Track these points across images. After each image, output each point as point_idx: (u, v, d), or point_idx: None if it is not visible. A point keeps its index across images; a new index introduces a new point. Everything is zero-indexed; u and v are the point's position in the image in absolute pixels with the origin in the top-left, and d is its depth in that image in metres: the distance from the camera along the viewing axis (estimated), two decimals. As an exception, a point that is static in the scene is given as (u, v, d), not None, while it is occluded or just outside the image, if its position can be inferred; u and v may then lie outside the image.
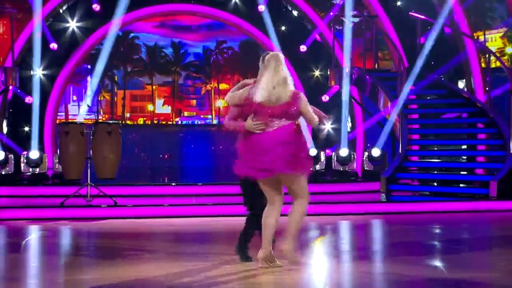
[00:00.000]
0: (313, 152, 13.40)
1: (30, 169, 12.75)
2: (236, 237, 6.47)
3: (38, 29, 14.09)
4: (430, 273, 6.16)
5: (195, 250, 7.28)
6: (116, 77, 71.14)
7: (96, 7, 15.06)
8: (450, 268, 6.36)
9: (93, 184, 10.70)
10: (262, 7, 15.28)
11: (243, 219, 6.51)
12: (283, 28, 16.01)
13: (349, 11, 13.78)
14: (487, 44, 17.09)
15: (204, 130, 59.84)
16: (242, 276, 5.94)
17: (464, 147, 13.41)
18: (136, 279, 5.86)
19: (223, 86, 76.03)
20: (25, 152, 12.92)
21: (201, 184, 12.11)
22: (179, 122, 77.17)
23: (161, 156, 26.28)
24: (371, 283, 5.87)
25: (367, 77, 13.67)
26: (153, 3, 15.91)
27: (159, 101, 78.55)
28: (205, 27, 70.44)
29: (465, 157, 13.19)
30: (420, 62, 12.97)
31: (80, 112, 17.58)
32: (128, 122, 72.11)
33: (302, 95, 6.06)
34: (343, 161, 13.48)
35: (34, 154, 12.75)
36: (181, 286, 5.67)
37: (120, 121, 19.51)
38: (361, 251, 7.43)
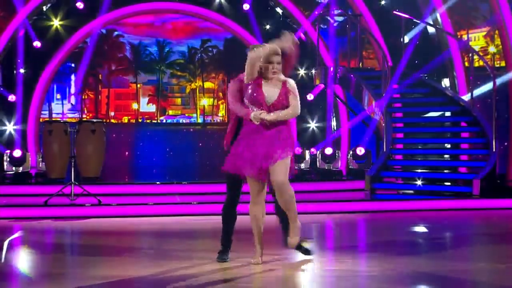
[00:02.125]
0: (298, 150, 13.44)
1: (13, 168, 12.67)
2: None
3: (21, 27, 14.01)
4: (414, 269, 6.19)
5: (179, 248, 7.26)
6: (100, 75, 70.88)
7: (79, 5, 14.99)
8: (434, 264, 6.40)
9: (77, 183, 10.65)
10: (246, 6, 15.28)
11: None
12: (267, 26, 16.01)
13: (333, 10, 13.83)
14: (470, 43, 17.26)
15: (189, 128, 59.80)
16: (228, 274, 5.94)
17: (447, 145, 13.49)
18: (120, 278, 5.85)
19: (208, 84, 75.95)
20: (8, 151, 12.83)
21: (185, 182, 12.10)
22: (164, 121, 77.05)
23: (145, 152, 26.21)
24: (354, 280, 5.89)
25: (352, 76, 13.72)
26: (136, 2, 15.83)
27: (143, 100, 78.34)
28: (171, 24, 69.81)
29: (448, 156, 13.27)
30: (404, 61, 13.04)
31: (63, 110, 17.50)
32: (112, 120, 71.88)
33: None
34: (328, 159, 13.52)
35: (17, 152, 12.67)
36: (165, 285, 5.66)
37: (104, 120, 19.40)
38: (345, 249, 7.45)
